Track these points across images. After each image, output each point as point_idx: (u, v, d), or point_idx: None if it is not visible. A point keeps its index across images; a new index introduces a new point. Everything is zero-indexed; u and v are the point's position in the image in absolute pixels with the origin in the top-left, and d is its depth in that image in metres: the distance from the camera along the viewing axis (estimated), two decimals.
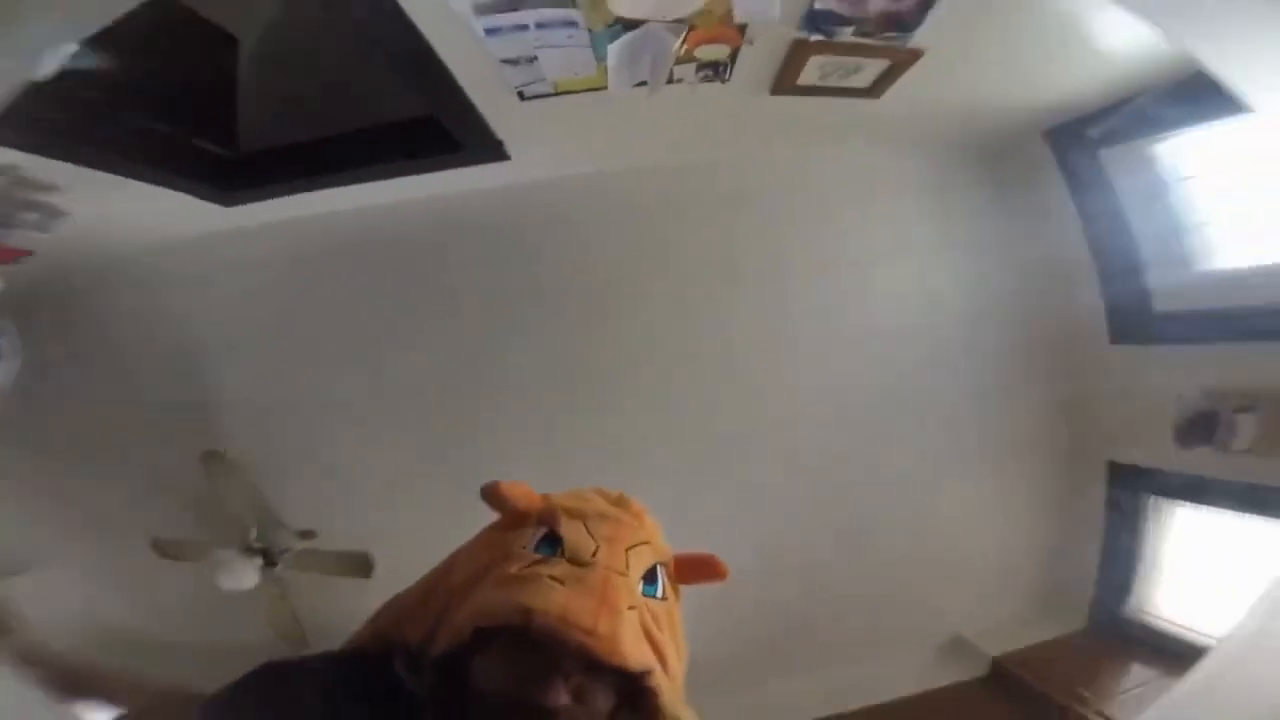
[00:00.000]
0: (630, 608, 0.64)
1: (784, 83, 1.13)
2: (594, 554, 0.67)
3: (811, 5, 1.05)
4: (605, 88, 1.08)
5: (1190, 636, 1.10)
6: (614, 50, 1.03)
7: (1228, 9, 0.97)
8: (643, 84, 1.08)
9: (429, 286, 1.24)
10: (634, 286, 1.25)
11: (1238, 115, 0.99)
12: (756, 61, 1.10)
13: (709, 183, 1.23)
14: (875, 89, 1.16)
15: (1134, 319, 1.19)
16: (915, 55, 1.13)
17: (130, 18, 0.88)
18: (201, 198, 1.13)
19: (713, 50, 1.07)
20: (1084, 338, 1.22)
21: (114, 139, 1.08)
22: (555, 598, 0.61)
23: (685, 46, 1.05)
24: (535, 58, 1.05)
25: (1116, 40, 1.10)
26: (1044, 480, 1.26)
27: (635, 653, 0.62)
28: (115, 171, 1.08)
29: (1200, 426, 1.14)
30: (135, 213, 1.15)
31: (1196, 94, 1.01)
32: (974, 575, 1.26)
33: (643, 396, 1.26)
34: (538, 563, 0.66)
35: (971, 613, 1.24)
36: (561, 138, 1.20)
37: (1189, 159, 1.14)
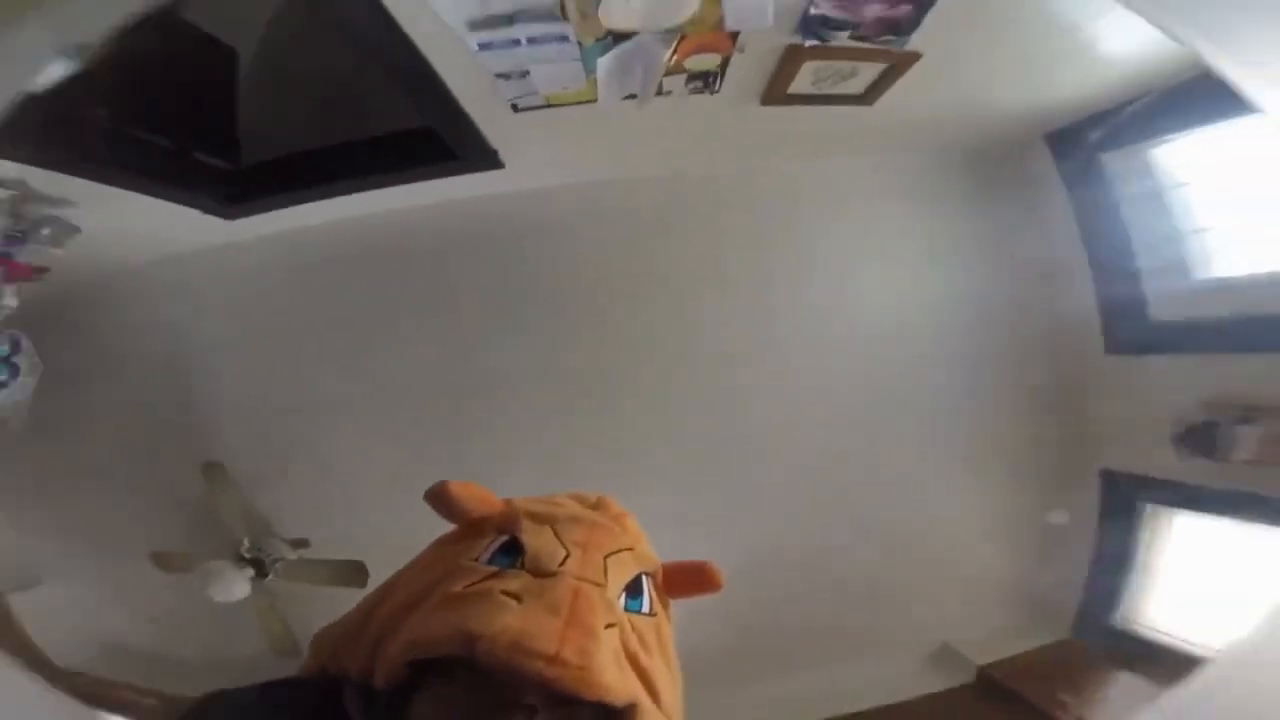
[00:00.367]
0: (609, 625, 0.53)
1: (776, 91, 1.13)
2: (562, 562, 0.55)
3: (806, 10, 1.05)
4: (595, 100, 1.08)
5: (1181, 647, 1.10)
6: (603, 63, 1.03)
7: (1235, 6, 0.94)
8: (632, 97, 1.08)
9: (427, 293, 1.25)
10: (629, 291, 1.26)
11: (1242, 118, 0.97)
12: (747, 70, 1.09)
13: (701, 190, 1.24)
14: (870, 95, 1.15)
15: (1131, 326, 1.17)
16: (913, 58, 1.12)
17: (130, 32, 0.89)
18: (204, 211, 1.14)
19: (703, 60, 1.07)
20: (1080, 345, 1.21)
21: (116, 153, 1.10)
22: (505, 618, 0.49)
23: (675, 57, 1.05)
24: (527, 72, 1.06)
25: (1117, 42, 1.08)
26: (1036, 487, 1.25)
27: (615, 683, 0.50)
28: (118, 185, 1.10)
29: (1200, 438, 1.13)
30: (138, 226, 1.17)
31: (1199, 97, 0.99)
32: (962, 581, 1.26)
33: (637, 400, 1.27)
34: (491, 577, 0.54)
35: (959, 619, 1.24)
36: (555, 147, 1.21)
37: (1190, 164, 1.12)
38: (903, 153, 1.25)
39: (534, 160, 1.21)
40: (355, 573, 1.11)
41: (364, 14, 0.97)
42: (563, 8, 0.98)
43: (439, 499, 0.61)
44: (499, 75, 1.07)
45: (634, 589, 0.59)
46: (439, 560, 0.59)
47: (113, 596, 1.20)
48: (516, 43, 1.01)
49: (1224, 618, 1.04)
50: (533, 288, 1.26)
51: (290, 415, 1.23)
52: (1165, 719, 1.00)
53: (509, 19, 0.99)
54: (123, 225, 1.16)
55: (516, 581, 0.53)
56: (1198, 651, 1.03)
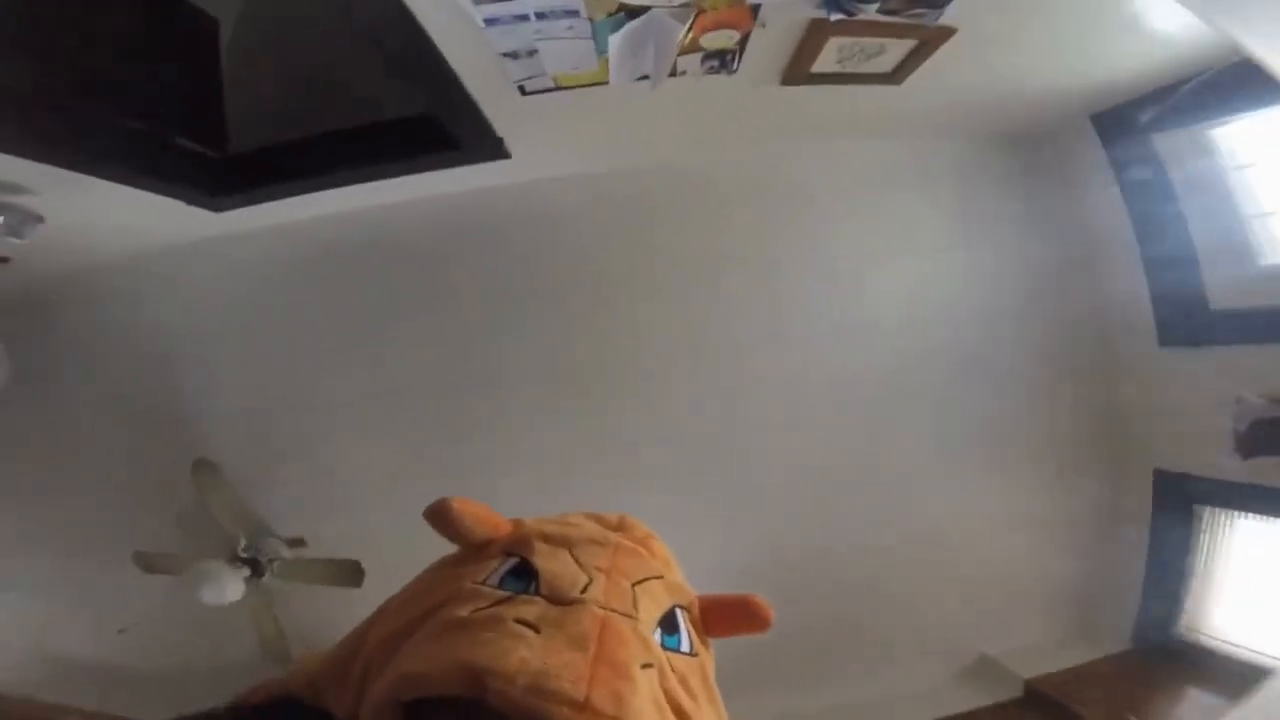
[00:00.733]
0: (645, 665, 0.43)
1: (798, 70, 1.06)
2: (584, 589, 0.46)
3: None
4: (607, 82, 1.02)
5: (1249, 656, 1.02)
6: (616, 41, 0.97)
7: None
8: (645, 78, 1.02)
9: (427, 289, 1.21)
10: (631, 286, 1.22)
11: None
12: (768, 48, 1.03)
13: (709, 180, 1.18)
14: (898, 73, 1.08)
15: (1187, 317, 1.10)
16: (946, 33, 1.05)
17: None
18: (188, 202, 1.06)
19: (720, 38, 1.00)
20: (1131, 337, 1.14)
21: (89, 137, 0.98)
22: (522, 652, 0.40)
23: (691, 34, 0.98)
24: (536, 50, 1.00)
25: (1170, 19, 1.01)
26: (1084, 488, 1.17)
27: None
28: (92, 173, 0.98)
29: (1264, 434, 1.05)
30: (117, 217, 1.09)
31: (1258, 76, 0.91)
32: (1002, 587, 1.18)
33: (644, 394, 1.23)
34: (500, 602, 0.44)
35: (997, 628, 1.17)
36: (564, 134, 1.15)
37: (1249, 145, 1.04)
38: (931, 137, 1.18)
39: (538, 149, 1.15)
40: (352, 572, 1.07)
41: None
42: None
43: (439, 518, 0.51)
44: (505, 54, 1.01)
45: (669, 624, 0.49)
46: (439, 583, 0.49)
47: (76, 608, 1.15)
48: (524, 18, 0.95)
49: None
50: (533, 284, 1.22)
51: (285, 412, 1.19)
52: None
53: None
54: (101, 216, 1.07)
55: (532, 608, 0.44)
56: (1266, 661, 0.97)
